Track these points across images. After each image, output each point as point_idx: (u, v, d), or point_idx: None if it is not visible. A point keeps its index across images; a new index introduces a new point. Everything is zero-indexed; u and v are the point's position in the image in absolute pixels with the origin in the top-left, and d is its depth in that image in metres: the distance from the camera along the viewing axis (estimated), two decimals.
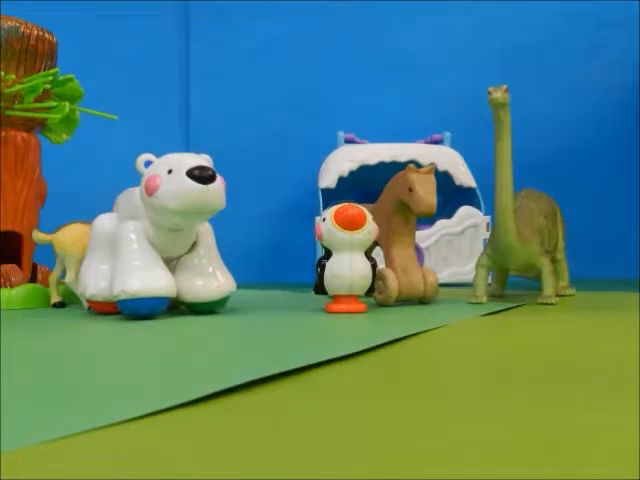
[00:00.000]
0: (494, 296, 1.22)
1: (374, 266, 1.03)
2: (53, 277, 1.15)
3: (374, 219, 0.98)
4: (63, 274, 1.14)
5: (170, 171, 0.87)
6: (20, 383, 0.49)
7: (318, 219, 0.98)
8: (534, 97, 1.85)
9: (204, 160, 0.91)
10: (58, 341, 0.74)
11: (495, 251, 1.07)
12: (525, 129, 1.81)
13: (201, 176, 0.86)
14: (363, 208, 0.97)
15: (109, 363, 0.59)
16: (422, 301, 1.08)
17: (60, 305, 1.15)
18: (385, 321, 0.88)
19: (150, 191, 0.88)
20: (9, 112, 1.21)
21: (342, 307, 0.96)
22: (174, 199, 0.86)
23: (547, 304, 1.07)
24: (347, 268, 0.93)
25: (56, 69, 1.24)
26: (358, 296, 0.98)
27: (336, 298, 0.97)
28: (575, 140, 1.90)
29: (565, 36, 1.91)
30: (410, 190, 1.01)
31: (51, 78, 1.22)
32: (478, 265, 1.11)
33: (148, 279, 0.89)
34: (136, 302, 0.88)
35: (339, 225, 0.92)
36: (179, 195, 0.86)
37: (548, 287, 1.08)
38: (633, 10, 1.89)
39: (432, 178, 1.03)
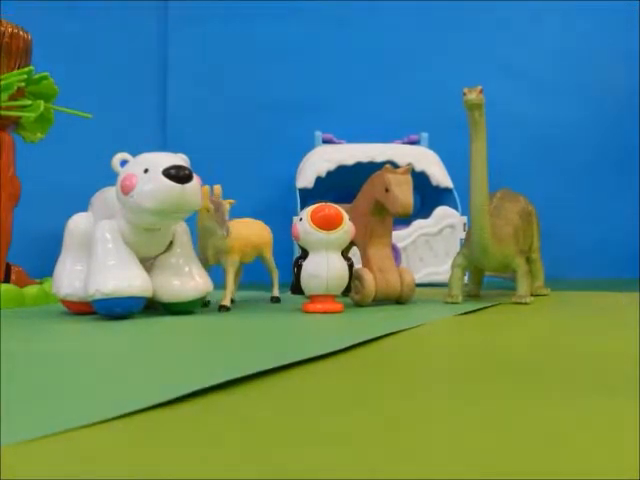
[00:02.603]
0: (470, 296, 1.23)
1: (351, 266, 1.03)
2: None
3: (351, 219, 0.98)
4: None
5: (146, 170, 0.86)
6: None
7: (295, 219, 0.98)
8: (528, 98, 1.86)
9: (181, 160, 0.90)
10: (33, 342, 0.73)
11: (471, 251, 1.08)
12: (527, 129, 1.82)
13: (177, 175, 0.85)
14: (340, 208, 0.97)
15: (84, 364, 0.58)
16: (399, 301, 1.09)
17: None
18: (361, 321, 0.88)
19: (126, 190, 0.87)
20: None
21: (319, 307, 0.96)
22: (150, 198, 0.85)
23: (521, 303, 1.08)
24: (324, 268, 0.93)
25: (31, 67, 1.22)
26: (335, 296, 0.98)
27: (313, 298, 0.97)
28: (576, 139, 1.90)
29: (554, 34, 1.91)
30: (386, 190, 1.01)
31: (26, 76, 1.20)
32: (454, 265, 1.11)
33: (123, 279, 0.88)
34: (111, 302, 0.88)
35: (316, 225, 0.92)
36: (155, 194, 0.85)
37: (523, 287, 1.09)
38: (633, 10, 1.89)
39: (408, 178, 1.03)
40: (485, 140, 1.00)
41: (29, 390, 0.47)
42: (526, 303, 1.08)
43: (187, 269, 0.96)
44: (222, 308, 1.01)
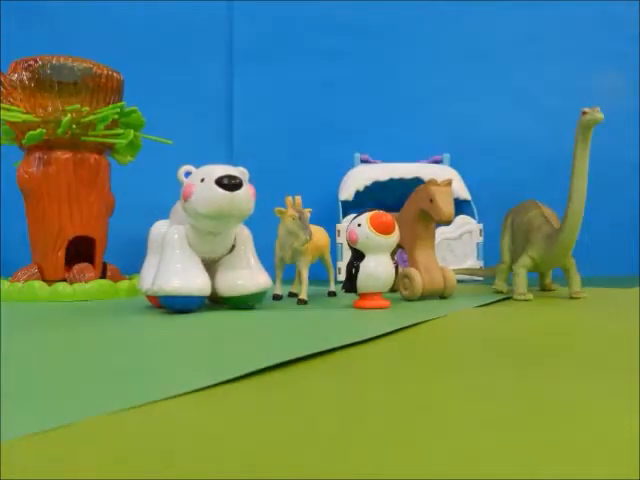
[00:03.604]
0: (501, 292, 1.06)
1: (396, 267, 0.89)
2: None
3: (399, 225, 0.85)
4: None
5: (202, 179, 0.77)
6: (72, 363, 0.44)
7: (351, 225, 0.83)
8: (536, 124, 1.69)
9: (236, 171, 0.79)
10: (109, 329, 0.66)
11: (545, 252, 0.93)
12: (535, 150, 1.65)
13: (227, 184, 0.76)
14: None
15: (154, 348, 0.52)
16: (442, 296, 0.96)
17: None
18: (416, 311, 0.74)
19: (185, 197, 0.78)
20: (84, 138, 1.12)
21: (371, 303, 0.82)
22: (204, 204, 0.76)
23: (578, 298, 0.94)
24: (382, 268, 0.80)
25: (122, 102, 1.16)
26: (382, 293, 0.84)
27: (363, 295, 0.83)
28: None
29: (566, 38, 1.67)
30: (431, 201, 0.90)
31: (118, 110, 1.14)
32: (519, 267, 0.96)
33: (184, 280, 0.79)
34: (172, 299, 0.79)
35: (376, 230, 0.79)
36: (207, 201, 0.76)
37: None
38: (633, 10, 1.66)
39: (450, 190, 0.92)
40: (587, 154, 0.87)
41: (91, 371, 0.41)
42: (583, 297, 0.94)
43: (248, 268, 0.84)
44: (300, 302, 0.90)
